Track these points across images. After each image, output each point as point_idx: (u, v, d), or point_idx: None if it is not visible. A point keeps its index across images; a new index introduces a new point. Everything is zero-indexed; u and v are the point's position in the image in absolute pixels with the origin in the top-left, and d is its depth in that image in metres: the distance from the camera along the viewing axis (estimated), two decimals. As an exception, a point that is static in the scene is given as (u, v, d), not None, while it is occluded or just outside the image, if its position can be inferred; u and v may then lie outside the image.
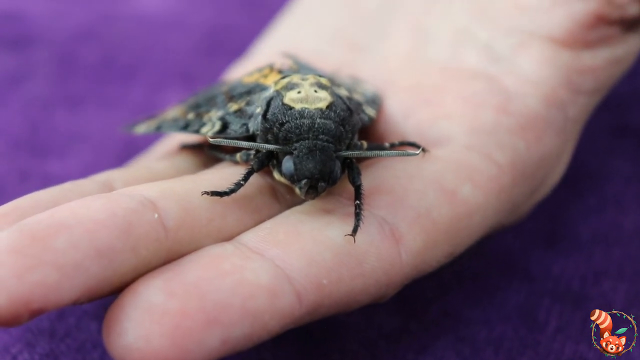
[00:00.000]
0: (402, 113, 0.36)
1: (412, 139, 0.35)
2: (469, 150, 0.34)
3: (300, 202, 0.32)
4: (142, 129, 0.38)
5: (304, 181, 0.30)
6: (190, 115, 0.36)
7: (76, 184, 0.32)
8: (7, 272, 0.26)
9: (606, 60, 0.37)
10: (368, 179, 0.32)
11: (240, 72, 0.41)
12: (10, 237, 0.27)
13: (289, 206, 0.32)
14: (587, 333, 0.36)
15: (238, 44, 0.49)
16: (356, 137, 0.33)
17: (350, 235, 0.30)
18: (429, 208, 0.32)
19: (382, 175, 0.33)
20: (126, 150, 0.45)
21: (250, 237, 0.30)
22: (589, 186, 0.43)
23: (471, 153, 0.34)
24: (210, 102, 0.36)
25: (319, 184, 0.30)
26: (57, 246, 0.27)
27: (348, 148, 0.32)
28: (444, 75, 0.37)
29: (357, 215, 0.30)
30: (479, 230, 0.34)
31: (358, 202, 0.31)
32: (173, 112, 0.38)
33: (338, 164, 0.31)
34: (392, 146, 0.34)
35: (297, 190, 0.31)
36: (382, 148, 0.34)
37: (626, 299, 0.38)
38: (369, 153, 0.31)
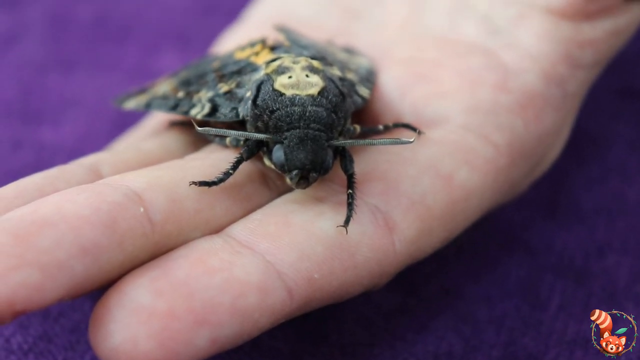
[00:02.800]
0: (397, 90, 0.36)
1: (407, 119, 0.34)
2: (466, 131, 0.33)
3: (291, 188, 0.32)
4: (131, 104, 0.37)
5: (295, 171, 0.30)
6: (180, 94, 0.35)
7: (62, 170, 0.32)
8: None
9: (607, 31, 0.36)
10: (361, 165, 0.32)
11: (234, 39, 0.41)
12: None
13: (279, 193, 0.32)
14: (590, 311, 0.35)
15: (233, 5, 0.48)
16: (349, 121, 0.32)
17: (342, 226, 0.29)
18: (424, 194, 0.31)
19: (376, 160, 0.32)
20: (121, 116, 0.45)
21: (240, 230, 0.29)
22: (592, 153, 0.43)
23: (468, 134, 0.33)
24: (200, 80, 0.35)
25: (310, 174, 0.30)
26: (40, 245, 0.26)
27: (341, 134, 0.32)
28: (440, 47, 0.37)
29: (350, 205, 0.30)
30: (475, 213, 0.33)
31: (350, 191, 0.30)
32: (163, 86, 0.37)
33: (330, 153, 0.30)
34: (386, 129, 0.34)
35: (287, 180, 0.30)
36: (376, 131, 0.33)
37: (630, 274, 0.38)
38: (361, 142, 0.31)
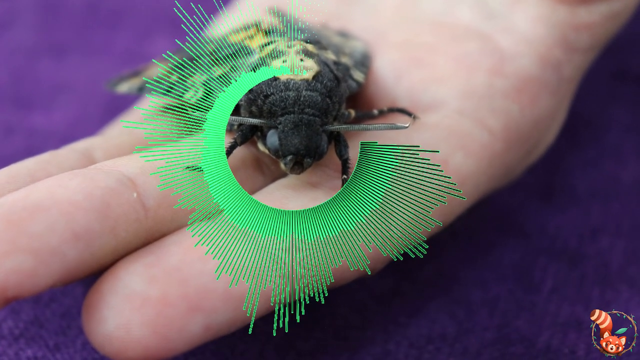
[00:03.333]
0: (393, 75, 0.36)
1: (402, 103, 0.34)
2: (461, 115, 0.33)
3: (285, 173, 0.32)
4: (124, 87, 0.37)
5: (289, 157, 0.30)
6: (173, 78, 0.35)
7: (54, 155, 0.32)
8: None
9: (603, 15, 0.36)
10: (355, 150, 0.31)
11: (228, 22, 0.40)
12: None
13: (273, 178, 0.32)
14: (584, 294, 0.37)
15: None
16: (344, 106, 0.32)
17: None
18: None
19: None
20: (114, 102, 0.45)
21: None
22: (587, 136, 0.43)
23: (463, 119, 0.33)
24: (194, 64, 0.35)
25: (305, 160, 0.30)
26: (32, 230, 0.26)
27: (335, 119, 0.31)
28: (436, 31, 0.37)
29: None
30: (470, 199, 0.33)
31: (345, 176, 0.30)
32: (156, 69, 0.37)
33: (325, 138, 0.30)
34: (381, 113, 0.34)
35: (282, 165, 0.30)
36: (371, 116, 0.33)
37: (624, 256, 0.38)
38: (356, 127, 0.31)
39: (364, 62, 0.36)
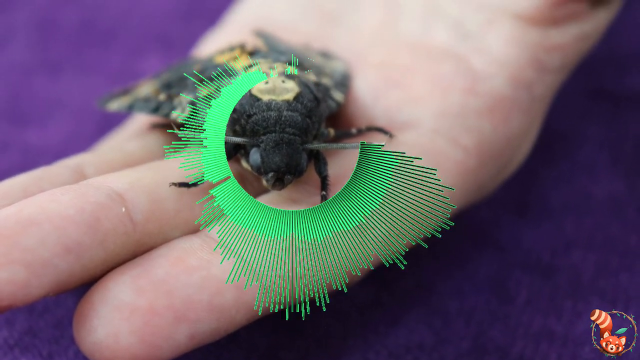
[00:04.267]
0: (371, 95, 0.36)
1: (380, 122, 0.35)
2: (436, 134, 0.34)
3: (267, 190, 0.32)
4: (114, 105, 0.38)
5: (270, 174, 0.30)
6: (162, 96, 0.36)
7: (47, 171, 0.32)
8: None
9: (574, 36, 0.37)
10: (334, 167, 0.32)
11: (214, 42, 0.41)
12: None
13: (256, 193, 0.33)
14: (556, 305, 0.37)
15: (214, 9, 0.49)
16: (323, 125, 0.33)
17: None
18: None
19: (349, 163, 0.32)
20: (106, 119, 0.45)
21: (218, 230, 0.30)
22: (561, 152, 0.43)
23: (437, 137, 0.34)
24: (181, 83, 0.36)
25: (286, 177, 0.30)
26: (25, 244, 0.27)
27: (315, 138, 0.32)
28: (413, 52, 0.37)
29: None
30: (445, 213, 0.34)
31: (324, 192, 0.31)
32: (146, 87, 0.38)
33: (304, 156, 0.31)
34: (359, 132, 0.34)
35: (264, 182, 0.31)
36: (349, 135, 0.34)
37: (595, 269, 0.38)
38: (335, 146, 0.31)
39: (344, 82, 0.36)
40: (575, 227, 0.40)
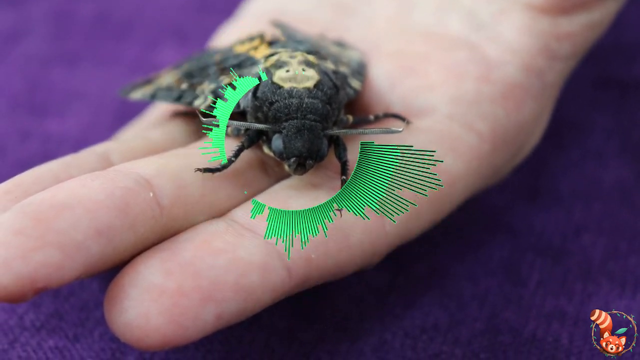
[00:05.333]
0: (387, 82, 0.37)
1: (396, 109, 0.36)
2: (451, 120, 0.35)
3: (288, 175, 0.33)
4: (137, 94, 0.38)
5: (292, 159, 0.31)
6: (184, 86, 0.36)
7: (75, 158, 0.33)
8: (13, 252, 0.27)
9: (583, 25, 0.37)
10: (354, 153, 0.32)
11: (230, 34, 0.42)
12: (14, 218, 0.27)
13: (277, 179, 0.33)
14: (567, 287, 0.37)
15: (228, 1, 0.50)
16: (342, 111, 0.34)
17: (337, 210, 0.30)
18: None
19: None
20: (123, 108, 0.46)
21: (242, 214, 0.31)
22: (571, 140, 0.44)
23: (453, 123, 0.35)
24: (202, 73, 0.36)
25: (307, 162, 0.31)
26: (59, 227, 0.27)
27: (335, 124, 0.33)
28: (428, 42, 0.38)
29: None
30: (460, 197, 0.34)
31: (344, 177, 0.32)
32: (167, 77, 0.38)
33: (325, 142, 0.31)
34: (377, 118, 0.35)
35: (286, 167, 0.31)
36: (367, 121, 0.35)
37: (605, 253, 0.39)
38: (354, 131, 0.32)
39: (360, 70, 0.37)
40: (585, 212, 0.41)
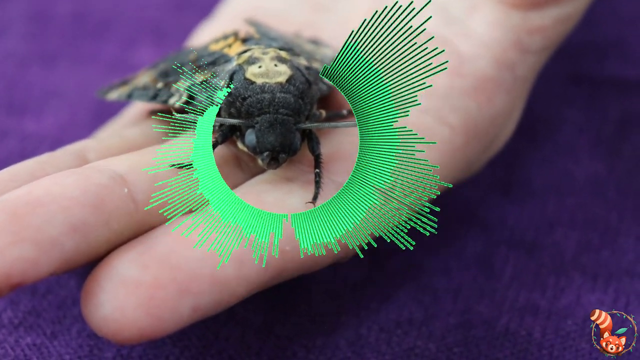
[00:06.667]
0: None
1: (370, 104, 0.36)
2: (424, 113, 0.35)
3: (262, 170, 0.33)
4: (114, 95, 0.38)
5: (265, 153, 0.31)
6: (160, 84, 0.36)
7: (52, 156, 0.33)
8: None
9: (554, 19, 0.38)
10: (327, 146, 0.33)
11: (207, 32, 0.42)
12: None
13: (252, 174, 0.33)
14: (540, 281, 0.38)
15: (205, 0, 0.50)
16: (315, 106, 0.34)
17: (311, 202, 0.31)
18: None
19: (341, 141, 0.34)
20: (101, 107, 0.46)
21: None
22: (544, 135, 0.44)
23: (426, 116, 0.35)
24: (178, 71, 0.36)
25: (280, 156, 0.31)
26: (34, 223, 0.28)
27: (307, 119, 0.33)
28: None
29: (317, 183, 0.31)
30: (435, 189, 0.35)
31: (317, 170, 0.32)
32: (144, 77, 0.38)
33: (298, 136, 0.32)
34: (350, 113, 0.35)
35: (259, 161, 0.32)
36: (340, 116, 0.35)
37: (577, 246, 0.39)
38: (326, 125, 0.32)
39: (334, 67, 0.37)
40: (558, 206, 0.41)
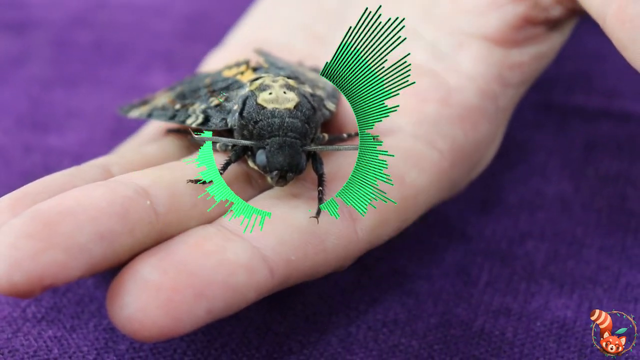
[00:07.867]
0: None
1: (367, 129, 0.36)
2: (415, 139, 0.35)
3: (270, 186, 0.33)
4: (135, 114, 0.38)
5: (275, 172, 0.31)
6: (177, 106, 0.36)
7: (79, 169, 0.33)
8: (24, 253, 0.27)
9: (532, 56, 0.38)
10: (329, 167, 0.33)
11: (217, 60, 0.42)
12: (25, 223, 0.27)
13: (261, 190, 0.33)
14: (513, 287, 0.38)
15: (215, 31, 0.50)
16: (319, 130, 0.34)
17: (314, 217, 0.31)
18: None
19: (341, 163, 0.34)
20: (118, 126, 0.46)
21: (230, 220, 0.31)
22: (518, 158, 0.44)
23: (417, 142, 0.35)
24: (194, 94, 0.36)
25: (288, 174, 0.31)
26: (64, 231, 0.27)
27: (312, 141, 0.33)
28: None
29: (320, 200, 0.31)
30: (423, 207, 0.35)
31: (321, 188, 0.32)
32: (162, 98, 0.38)
33: (304, 157, 0.32)
34: (349, 136, 0.35)
35: (269, 179, 0.32)
36: (341, 139, 0.35)
37: (546, 257, 0.39)
38: (329, 148, 0.32)
39: (335, 94, 0.37)
40: (529, 221, 0.41)
